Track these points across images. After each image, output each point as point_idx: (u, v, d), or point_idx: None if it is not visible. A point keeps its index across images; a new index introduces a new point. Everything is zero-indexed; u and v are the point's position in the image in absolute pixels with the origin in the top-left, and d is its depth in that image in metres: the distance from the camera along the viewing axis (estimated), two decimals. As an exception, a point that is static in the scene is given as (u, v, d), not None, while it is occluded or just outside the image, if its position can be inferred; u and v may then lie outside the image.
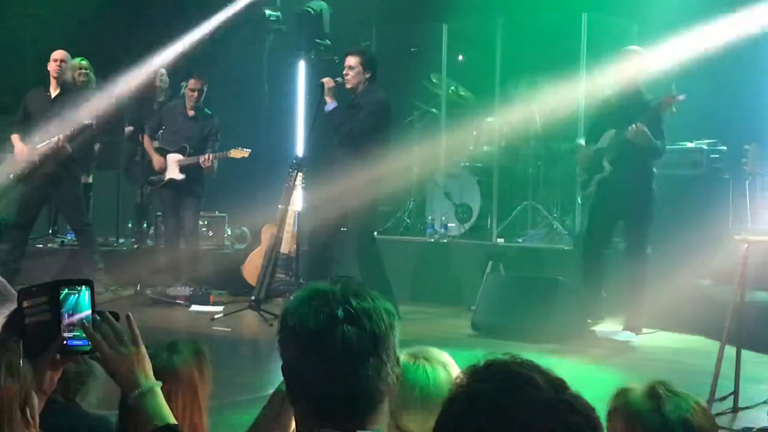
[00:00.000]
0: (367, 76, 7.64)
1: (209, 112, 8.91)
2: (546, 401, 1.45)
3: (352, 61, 7.64)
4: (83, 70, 9.37)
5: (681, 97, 7.07)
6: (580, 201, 9.09)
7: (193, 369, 2.65)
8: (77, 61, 9.24)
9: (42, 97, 8.61)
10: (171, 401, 2.44)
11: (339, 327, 1.79)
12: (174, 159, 8.77)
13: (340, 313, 1.80)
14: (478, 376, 1.51)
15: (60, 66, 8.50)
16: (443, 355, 2.57)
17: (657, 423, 2.12)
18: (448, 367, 2.51)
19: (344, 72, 7.63)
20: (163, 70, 9.76)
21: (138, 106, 9.71)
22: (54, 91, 8.55)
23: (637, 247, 7.49)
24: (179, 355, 2.63)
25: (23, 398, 1.98)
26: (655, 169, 7.49)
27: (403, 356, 2.19)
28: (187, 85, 9.65)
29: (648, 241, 7.48)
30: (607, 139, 7.47)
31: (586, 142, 7.77)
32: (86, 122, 8.55)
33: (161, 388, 2.17)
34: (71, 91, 8.63)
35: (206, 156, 8.60)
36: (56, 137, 8.40)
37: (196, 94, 8.78)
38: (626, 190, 7.38)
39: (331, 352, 1.78)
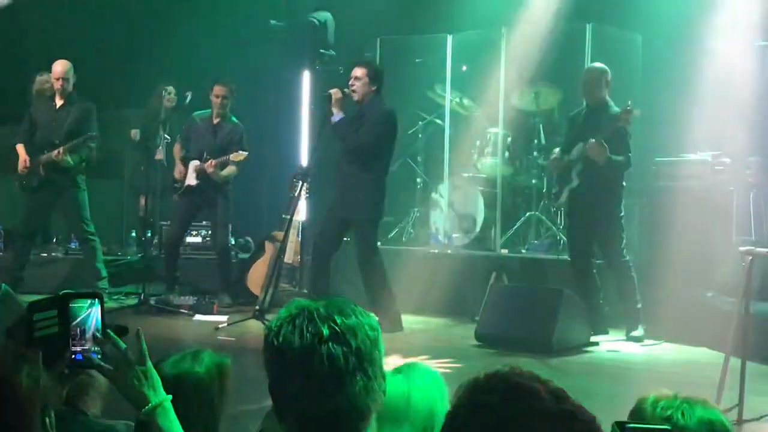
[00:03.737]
0: (373, 88, 7.65)
1: (236, 121, 8.91)
2: (548, 411, 1.45)
3: (359, 72, 7.65)
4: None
5: (636, 112, 7.30)
6: (553, 210, 9.21)
7: (214, 381, 2.62)
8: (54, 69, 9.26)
9: (47, 107, 8.64)
10: (187, 410, 2.44)
11: (324, 345, 1.79)
12: (192, 166, 8.81)
13: (325, 331, 1.80)
14: (480, 389, 1.51)
15: (62, 83, 8.52)
16: (421, 370, 2.54)
17: (680, 426, 2.09)
18: (411, 384, 2.48)
19: (350, 83, 7.63)
20: (171, 88, 9.78)
21: (146, 112, 9.74)
22: (59, 102, 8.58)
23: (614, 258, 7.64)
24: (201, 365, 2.61)
25: (44, 409, 1.98)
26: (624, 183, 7.66)
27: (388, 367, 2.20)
28: (191, 96, 9.71)
29: (623, 249, 7.63)
30: (576, 152, 7.64)
31: (561, 153, 7.90)
32: (91, 133, 8.56)
33: (178, 396, 2.17)
34: (76, 102, 8.64)
35: (209, 162, 8.61)
36: (57, 150, 8.42)
37: (219, 100, 8.78)
38: (592, 203, 7.58)
39: (317, 371, 1.78)
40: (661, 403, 2.17)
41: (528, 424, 1.43)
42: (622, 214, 7.65)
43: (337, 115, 7.64)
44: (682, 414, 2.11)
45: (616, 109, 7.54)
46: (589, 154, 7.41)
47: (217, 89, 8.79)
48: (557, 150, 8.04)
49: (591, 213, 7.61)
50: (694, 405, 2.16)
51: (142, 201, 9.60)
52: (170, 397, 2.21)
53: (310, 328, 1.81)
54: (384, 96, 7.81)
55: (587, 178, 7.56)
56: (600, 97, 7.67)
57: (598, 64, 7.85)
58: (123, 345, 2.18)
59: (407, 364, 2.57)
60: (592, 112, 7.71)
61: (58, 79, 8.53)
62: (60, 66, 8.55)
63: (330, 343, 1.79)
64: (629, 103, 7.40)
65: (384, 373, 1.88)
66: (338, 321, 1.82)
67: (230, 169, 8.68)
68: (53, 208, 8.84)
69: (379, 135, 7.61)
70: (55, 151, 8.41)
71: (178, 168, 8.89)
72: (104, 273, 8.72)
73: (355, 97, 7.63)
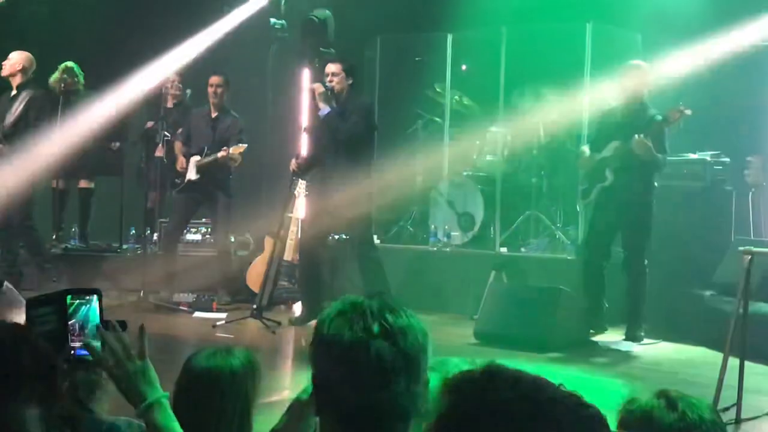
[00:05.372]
0: (350, 82, 7.78)
1: (234, 114, 8.90)
2: (562, 402, 1.44)
3: (334, 68, 7.76)
4: (73, 74, 9.39)
5: (688, 112, 7.11)
6: (579, 209, 9.13)
7: (248, 374, 2.69)
8: (66, 64, 9.27)
9: (4, 98, 8.67)
10: (224, 401, 2.48)
11: (374, 342, 1.80)
12: (193, 161, 8.81)
13: (375, 328, 1.81)
14: (483, 389, 1.49)
15: (4, 67, 8.55)
16: (457, 366, 2.53)
17: (674, 420, 2.10)
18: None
19: (328, 79, 7.71)
20: (176, 77, 9.79)
21: (156, 104, 9.76)
22: (13, 91, 8.64)
23: (635, 259, 7.55)
24: (236, 358, 2.68)
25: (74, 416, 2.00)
26: (656, 183, 7.54)
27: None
28: (190, 93, 9.72)
29: (645, 253, 7.54)
30: (611, 150, 7.52)
31: (590, 152, 7.81)
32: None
33: (214, 387, 2.18)
34: (25, 88, 8.58)
35: (222, 150, 8.55)
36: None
37: (214, 89, 8.76)
38: (626, 201, 7.43)
39: (364, 366, 1.79)
40: (650, 396, 2.17)
41: (543, 411, 1.43)
42: (652, 215, 7.51)
43: (324, 108, 7.66)
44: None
45: (653, 108, 7.45)
46: (635, 148, 7.23)
47: (212, 79, 8.80)
48: (586, 148, 7.95)
49: (622, 211, 7.48)
50: (690, 398, 2.17)
51: (153, 195, 9.61)
52: (167, 394, 2.22)
53: (361, 323, 1.82)
54: (384, 94, 7.86)
55: (623, 176, 7.44)
56: (641, 95, 7.54)
57: (640, 61, 7.70)
58: (126, 338, 2.19)
59: (438, 359, 2.55)
60: (631, 109, 7.55)
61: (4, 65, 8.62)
62: (12, 55, 8.60)
63: (379, 340, 1.81)
64: (681, 103, 7.23)
65: (428, 381, 1.89)
66: (389, 320, 1.84)
67: (237, 149, 8.58)
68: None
69: (369, 125, 7.76)
70: None
71: (180, 161, 8.89)
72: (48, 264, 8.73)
73: (336, 91, 7.70)
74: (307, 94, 7.97)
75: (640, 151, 7.21)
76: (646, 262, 7.53)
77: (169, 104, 9.71)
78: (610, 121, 7.72)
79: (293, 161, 8.22)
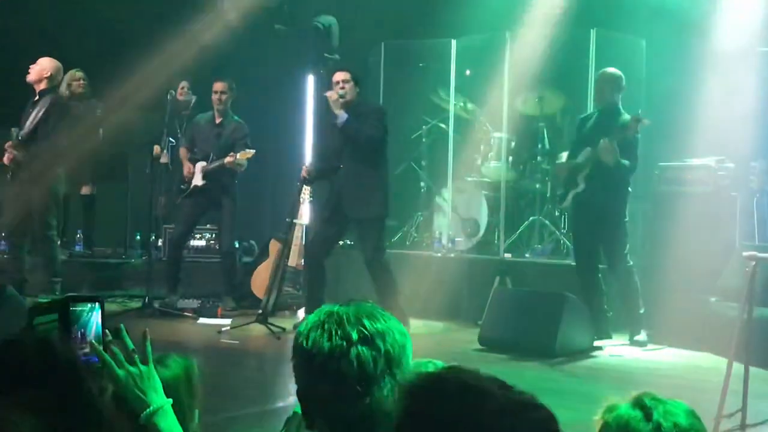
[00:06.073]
0: (358, 90, 7.87)
1: (238, 119, 8.91)
2: (504, 406, 1.42)
3: (344, 76, 7.82)
4: (81, 81, 9.42)
5: (646, 122, 7.28)
6: (558, 214, 9.23)
7: (181, 383, 2.60)
8: (75, 71, 9.29)
9: (28, 104, 8.64)
10: None
11: (353, 348, 1.81)
12: (199, 167, 8.82)
13: (354, 335, 1.82)
14: (428, 395, 1.46)
15: (31, 71, 8.51)
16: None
17: (649, 430, 2.10)
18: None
19: (339, 87, 7.75)
20: (185, 83, 9.81)
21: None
22: (35, 97, 8.58)
23: (618, 263, 7.65)
24: (167, 369, 2.58)
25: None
26: (630, 188, 7.66)
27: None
28: (195, 99, 9.73)
29: (627, 254, 7.64)
30: (583, 156, 7.62)
31: (567, 158, 7.94)
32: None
33: None
34: (48, 95, 8.50)
35: (230, 155, 8.54)
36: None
37: (218, 95, 8.77)
38: (598, 206, 7.57)
39: (347, 374, 1.80)
40: (626, 405, 2.16)
41: (488, 423, 1.42)
42: (627, 219, 7.66)
43: (341, 115, 7.69)
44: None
45: (627, 115, 7.54)
46: (600, 154, 7.39)
47: (216, 85, 8.80)
48: (564, 154, 8.06)
49: (596, 217, 7.61)
50: (667, 404, 2.16)
51: (162, 200, 9.63)
52: (170, 401, 2.22)
53: (339, 332, 1.82)
54: (388, 100, 7.89)
55: (594, 182, 7.57)
56: (611, 102, 7.66)
57: (612, 69, 7.80)
58: (131, 345, 2.20)
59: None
60: (603, 116, 7.71)
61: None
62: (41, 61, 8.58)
63: (359, 347, 1.81)
64: (639, 112, 7.43)
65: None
66: (367, 325, 1.84)
67: (245, 154, 8.58)
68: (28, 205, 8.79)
69: (384, 128, 7.81)
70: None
71: (187, 167, 8.89)
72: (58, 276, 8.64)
73: (348, 98, 7.74)
74: (320, 101, 7.98)
75: (605, 156, 7.36)
76: (631, 262, 7.64)
77: (186, 111, 9.72)
78: (585, 127, 7.86)
79: (304, 168, 8.22)
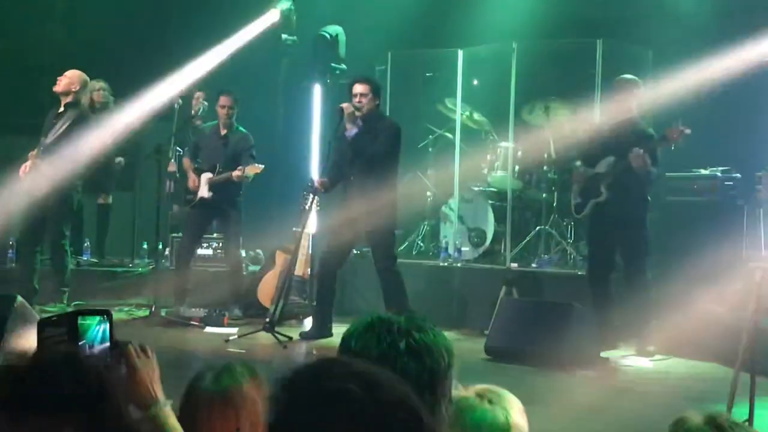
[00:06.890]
0: (376, 102, 7.84)
1: (243, 130, 8.93)
2: (365, 411, 1.38)
3: (363, 88, 7.77)
4: (101, 91, 9.47)
5: (687, 131, 7.12)
6: (573, 223, 9.18)
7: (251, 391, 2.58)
8: (95, 82, 9.32)
9: (51, 114, 8.64)
10: (238, 422, 2.45)
11: (399, 359, 1.80)
12: (205, 178, 8.85)
13: (402, 345, 1.82)
14: (286, 404, 1.42)
15: (60, 83, 8.51)
16: (510, 400, 2.39)
17: None
18: (508, 415, 2.32)
19: (357, 99, 7.72)
20: (200, 93, 9.85)
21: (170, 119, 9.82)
22: (60, 108, 8.58)
23: (635, 274, 7.56)
24: (240, 377, 2.58)
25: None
26: (649, 197, 7.58)
27: (469, 391, 2.18)
28: (202, 108, 9.77)
29: (646, 267, 7.56)
30: (605, 166, 7.54)
31: (583, 166, 7.86)
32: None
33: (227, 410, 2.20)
34: (73, 108, 8.59)
35: (238, 169, 8.57)
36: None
37: (225, 110, 8.80)
38: (621, 217, 7.47)
39: None
40: (699, 422, 2.10)
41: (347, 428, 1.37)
42: (648, 229, 7.54)
43: (351, 129, 7.71)
44: None
45: (643, 123, 7.46)
46: (633, 162, 7.22)
47: (223, 100, 8.83)
48: (579, 162, 7.98)
49: (617, 227, 7.50)
50: (742, 428, 2.11)
51: (175, 208, 9.65)
52: (171, 401, 2.25)
53: (388, 339, 1.82)
54: (395, 109, 7.90)
55: (617, 191, 7.47)
56: (630, 109, 7.57)
57: (629, 76, 7.72)
58: (138, 358, 2.22)
59: (492, 390, 2.45)
60: (621, 124, 7.58)
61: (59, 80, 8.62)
62: (69, 73, 8.58)
63: (405, 358, 1.81)
64: (680, 121, 7.21)
65: (451, 398, 1.89)
66: (416, 337, 1.84)
67: (254, 169, 8.58)
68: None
69: (396, 144, 7.80)
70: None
71: (191, 178, 8.92)
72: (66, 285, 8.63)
73: (363, 111, 7.73)
74: (336, 112, 7.95)
75: (638, 164, 7.22)
76: (649, 276, 7.55)
77: (200, 122, 9.76)
78: (603, 136, 7.74)
79: (319, 180, 8.22)
